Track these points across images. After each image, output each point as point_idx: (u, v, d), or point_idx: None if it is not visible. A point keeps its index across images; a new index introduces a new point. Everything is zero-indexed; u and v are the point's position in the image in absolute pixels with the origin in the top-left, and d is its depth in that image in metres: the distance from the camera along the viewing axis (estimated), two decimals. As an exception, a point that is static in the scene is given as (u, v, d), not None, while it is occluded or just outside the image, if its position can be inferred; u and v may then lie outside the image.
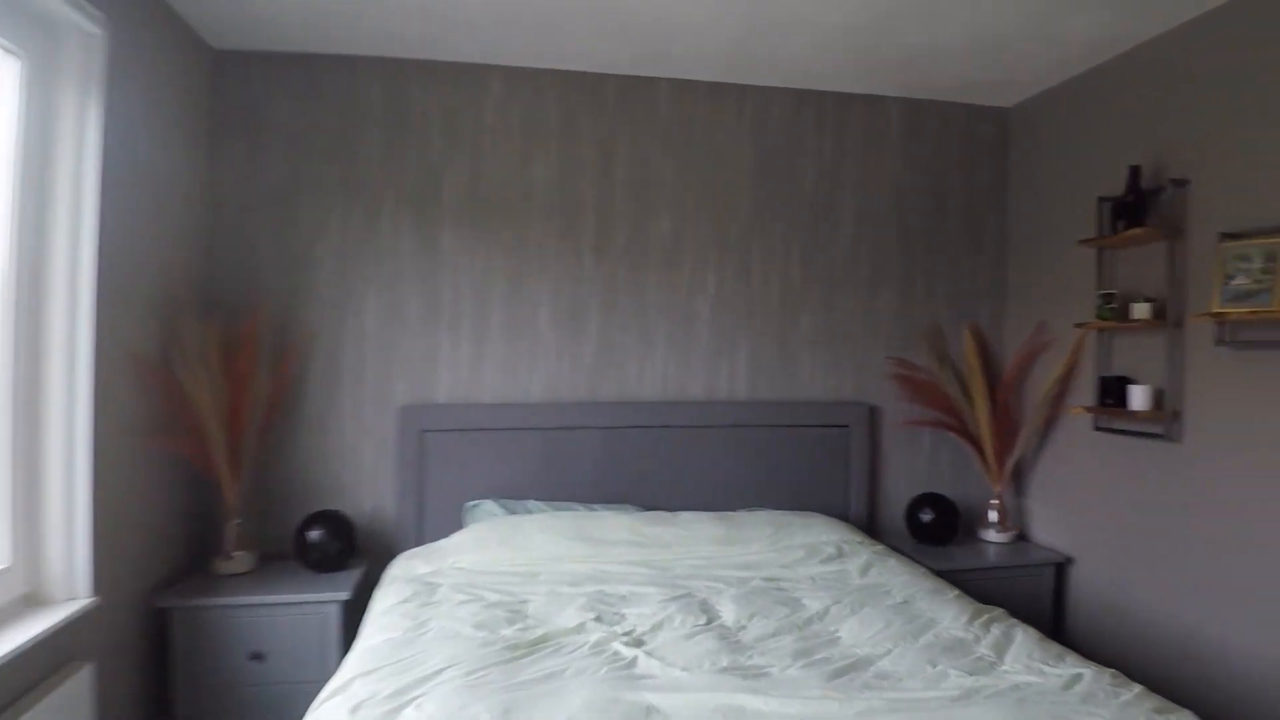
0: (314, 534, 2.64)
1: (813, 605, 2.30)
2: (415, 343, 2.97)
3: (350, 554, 2.72)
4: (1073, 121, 3.01)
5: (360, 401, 2.93)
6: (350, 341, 2.93)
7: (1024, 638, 2.04)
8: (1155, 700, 1.67)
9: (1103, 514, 2.84)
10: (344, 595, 2.52)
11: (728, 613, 2.23)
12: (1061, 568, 3.02)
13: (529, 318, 3.04)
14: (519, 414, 3.00)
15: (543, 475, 2.98)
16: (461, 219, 2.99)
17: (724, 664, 1.89)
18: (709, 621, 2.17)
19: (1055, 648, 1.98)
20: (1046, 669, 1.85)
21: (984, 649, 1.99)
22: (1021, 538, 3.24)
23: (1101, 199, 2.79)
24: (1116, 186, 2.72)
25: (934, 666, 1.88)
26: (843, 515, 3.19)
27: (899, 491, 3.33)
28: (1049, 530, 3.13)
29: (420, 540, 2.85)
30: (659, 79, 3.12)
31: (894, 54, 2.85)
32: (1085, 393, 2.92)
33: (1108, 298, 2.72)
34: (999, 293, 3.43)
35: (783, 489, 3.17)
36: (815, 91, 3.23)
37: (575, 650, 1.94)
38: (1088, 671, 1.81)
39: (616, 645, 1.98)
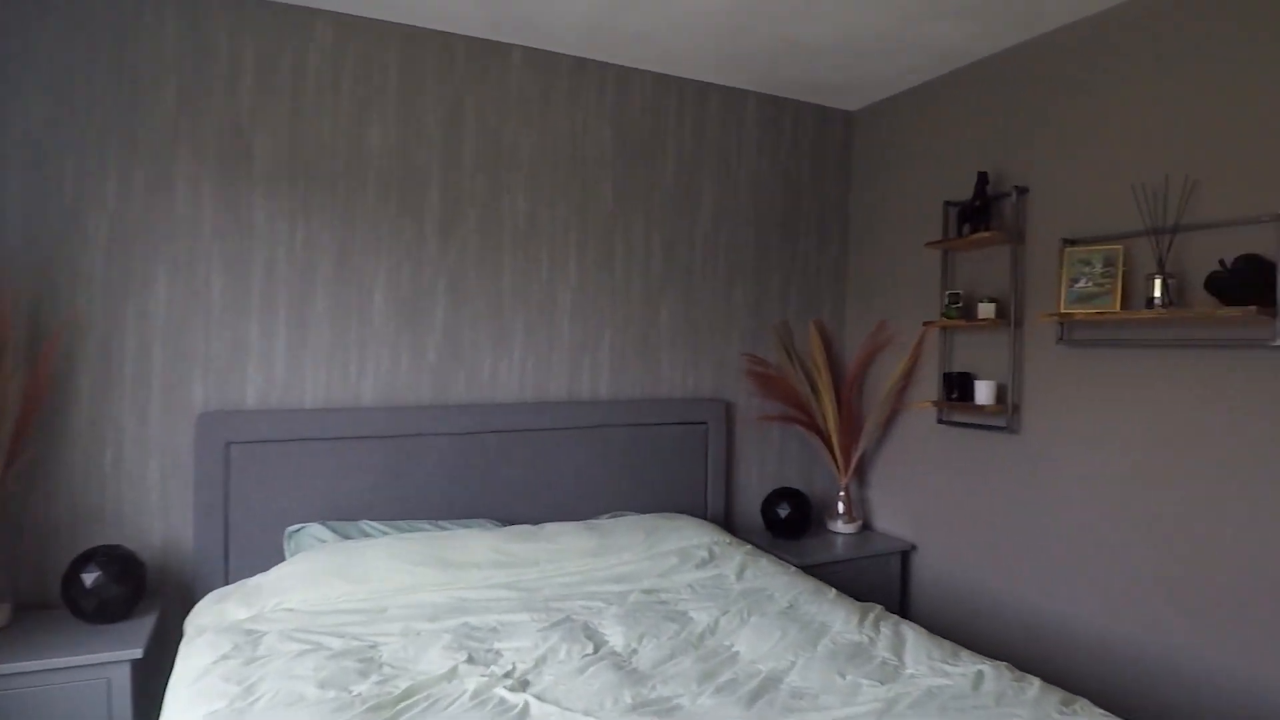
0: (89, 576, 2.05)
1: (700, 618, 2.15)
2: (218, 335, 2.42)
3: (138, 599, 2.15)
4: (918, 127, 3.14)
5: (145, 409, 2.33)
6: (132, 334, 2.32)
7: (914, 636, 2.04)
8: (1059, 693, 1.70)
9: (944, 503, 2.98)
10: (134, 653, 1.97)
11: (615, 636, 2.02)
12: (906, 555, 3.15)
13: (360, 304, 2.60)
14: (349, 420, 2.55)
15: (381, 491, 2.57)
16: (277, 186, 2.48)
17: (629, 700, 1.68)
18: (597, 649, 1.93)
19: (945, 644, 1.99)
20: (949, 668, 1.84)
21: (883, 652, 1.95)
22: (866, 527, 3.34)
23: (948, 203, 2.93)
24: (961, 191, 2.86)
25: (843, 678, 1.80)
26: (701, 513, 3.11)
27: (752, 487, 3.31)
28: (892, 520, 3.26)
29: (230, 577, 2.34)
30: (514, 45, 2.81)
31: (755, 45, 2.78)
32: (928, 387, 3.06)
33: (954, 298, 2.85)
34: (841, 290, 3.52)
35: (645, 490, 3.01)
36: (677, 78, 3.10)
37: (453, 703, 1.63)
38: (986, 668, 1.82)
39: (500, 691, 1.69)
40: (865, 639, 2.03)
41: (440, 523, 2.57)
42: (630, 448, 2.98)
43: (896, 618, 2.17)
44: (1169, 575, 2.22)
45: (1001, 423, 2.74)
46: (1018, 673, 1.81)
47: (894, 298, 3.24)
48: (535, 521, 2.70)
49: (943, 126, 3.02)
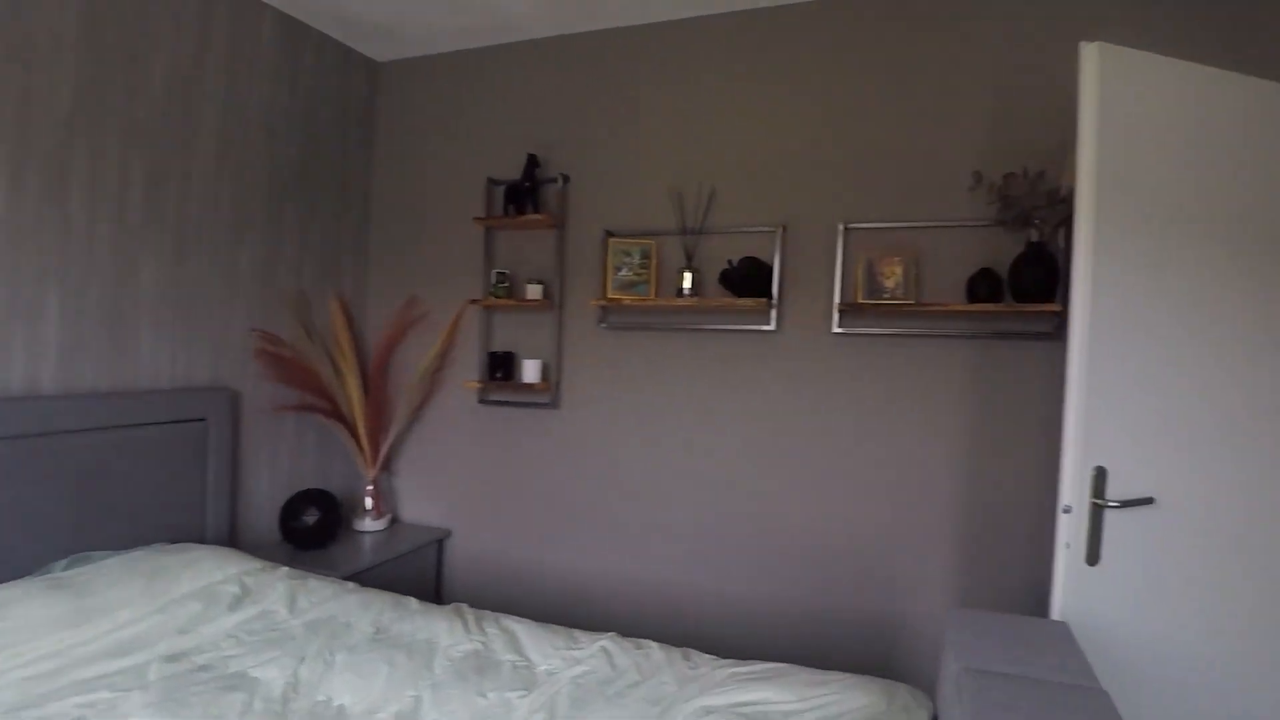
0: None
1: (270, 675, 1.66)
2: None
3: None
4: (463, 95, 2.98)
5: None
6: None
7: (521, 628, 1.95)
8: (674, 650, 1.82)
9: (485, 483, 2.95)
10: None
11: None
12: (441, 543, 3.01)
13: None
14: None
15: None
16: None
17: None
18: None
19: (555, 629, 1.95)
20: (577, 653, 1.81)
21: (505, 655, 1.81)
22: (395, 521, 3.08)
23: (492, 180, 2.87)
24: (506, 169, 2.84)
25: (486, 697, 1.61)
26: (199, 536, 2.41)
27: (263, 494, 2.71)
28: (424, 508, 3.07)
29: None
30: None
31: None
32: (465, 368, 2.96)
33: (502, 277, 2.81)
34: (365, 260, 3.14)
35: (119, 519, 2.16)
36: (163, -51, 2.28)
37: None
38: (605, 643, 1.85)
39: None
40: (480, 645, 1.85)
41: None
42: (94, 461, 2.09)
43: (489, 613, 2.04)
44: (700, 528, 2.63)
45: (546, 399, 2.84)
46: (630, 639, 1.89)
47: (428, 272, 3.03)
48: (-59, 594, 1.68)
49: (491, 100, 2.94)
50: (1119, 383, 1.74)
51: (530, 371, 2.79)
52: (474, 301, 2.86)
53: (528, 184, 2.75)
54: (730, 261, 2.52)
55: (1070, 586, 1.72)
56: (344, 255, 3.03)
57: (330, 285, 2.96)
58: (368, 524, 2.93)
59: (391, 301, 3.07)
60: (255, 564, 2.17)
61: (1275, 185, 1.83)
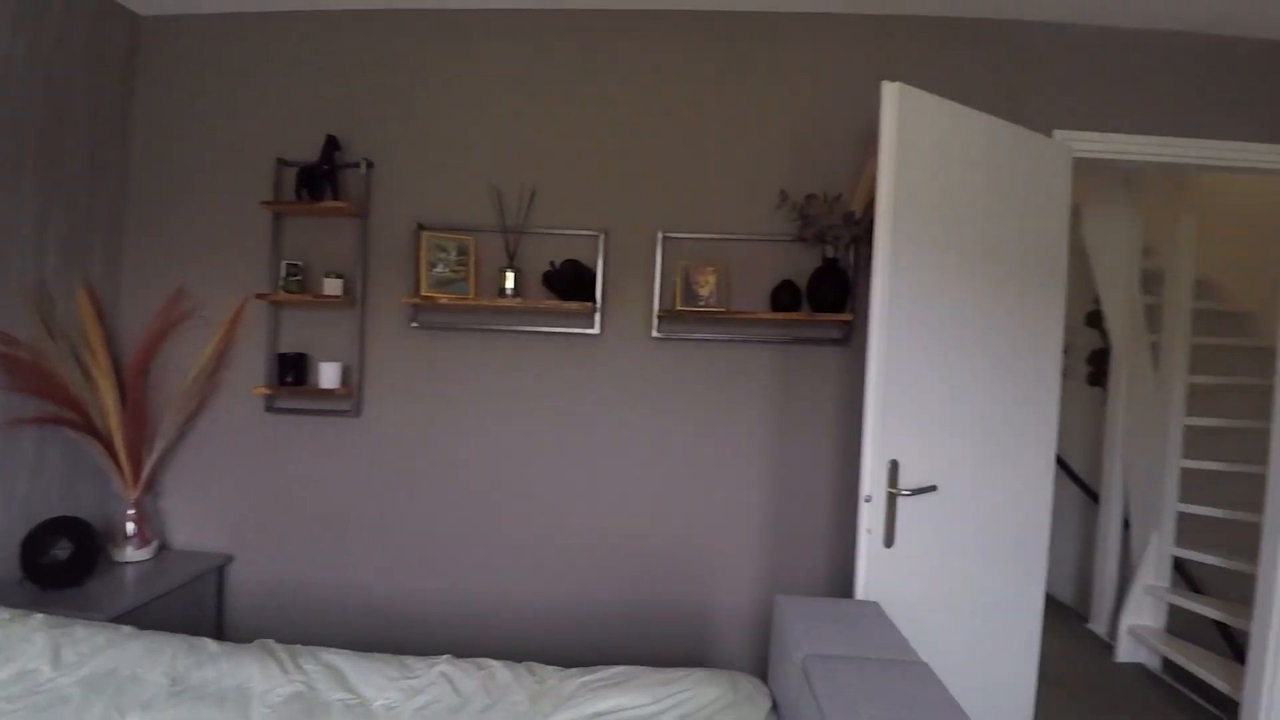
0: None
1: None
2: None
3: None
4: (247, 63, 2.62)
5: None
6: None
7: (344, 661, 1.79)
8: (513, 665, 1.79)
9: (275, 500, 2.65)
10: None
11: None
12: (222, 570, 2.66)
13: None
14: None
15: None
16: None
17: None
18: None
19: (384, 657, 1.82)
20: (414, 682, 1.72)
21: (334, 694, 1.67)
22: (165, 548, 2.66)
23: (283, 161, 2.56)
24: (299, 150, 2.57)
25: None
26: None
27: (-11, 527, 2.21)
28: (198, 532, 2.68)
29: None
30: None
31: None
32: (249, 372, 2.63)
33: (294, 269, 2.54)
34: (118, 246, 2.65)
35: None
36: None
37: None
38: (441, 666, 1.77)
39: None
40: (302, 686, 1.68)
41: None
42: None
43: (303, 648, 1.85)
44: (523, 536, 2.58)
45: (347, 406, 2.62)
46: (469, 659, 1.82)
47: (200, 262, 2.64)
48: None
49: (283, 72, 2.61)
50: (907, 386, 2.00)
51: (328, 376, 2.55)
52: (260, 296, 2.55)
53: (326, 167, 2.50)
54: (552, 263, 2.51)
55: (871, 567, 1.96)
56: (94, 239, 2.54)
57: (77, 274, 2.47)
58: (130, 554, 2.51)
59: (154, 294, 2.63)
60: (2, 613, 1.77)
61: (1030, 221, 2.21)
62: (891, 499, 1.97)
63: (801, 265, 2.49)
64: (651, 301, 2.51)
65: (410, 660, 1.81)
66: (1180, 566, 3.40)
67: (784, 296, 2.44)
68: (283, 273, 2.54)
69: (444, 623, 2.60)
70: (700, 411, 2.54)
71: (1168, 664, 3.26)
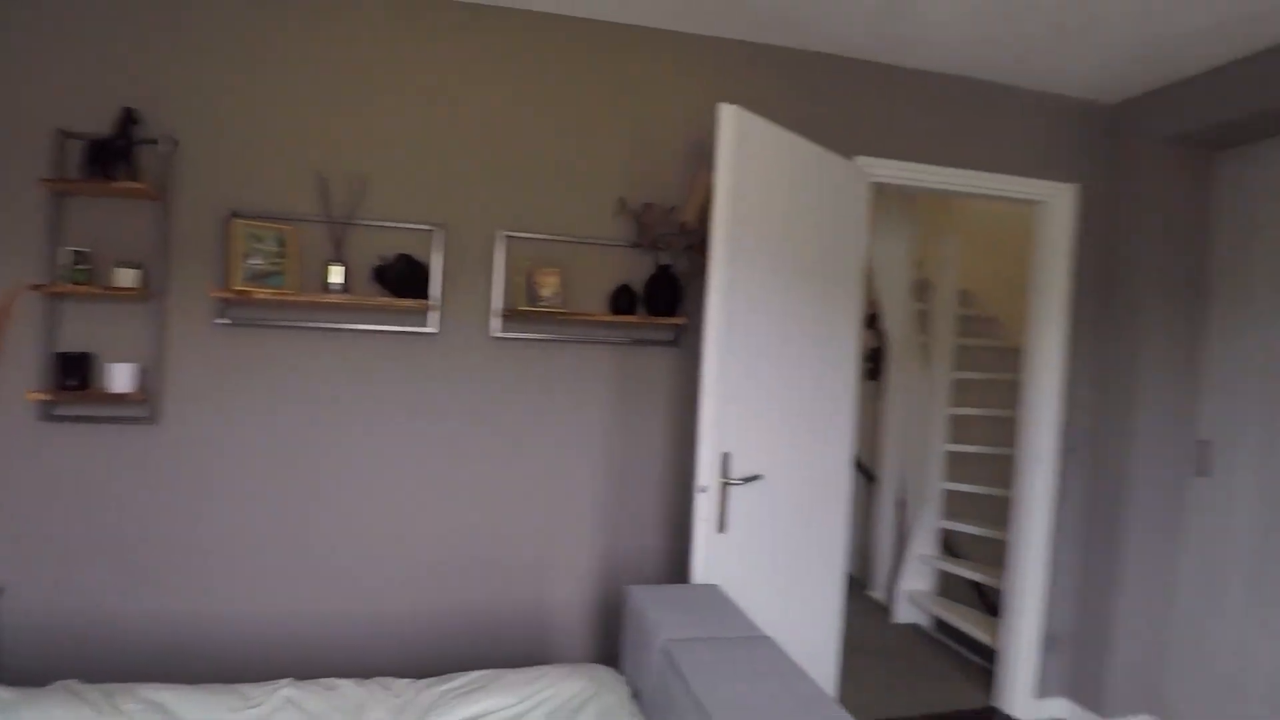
0: None
1: None
2: None
3: None
4: (9, 14, 2.24)
5: None
6: None
7: (170, 695, 1.64)
8: (362, 684, 1.73)
9: (53, 521, 2.30)
10: None
11: None
12: (-23, 604, 2.27)
13: None
14: None
15: None
16: None
17: None
18: None
19: (213, 689, 1.68)
20: (259, 711, 1.60)
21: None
22: (-108, 585, 2.22)
23: (66, 133, 2.24)
24: (84, 121, 2.26)
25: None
26: None
27: None
28: (-57, 561, 2.27)
29: None
30: None
31: None
32: (21, 374, 2.27)
33: (81, 257, 2.23)
34: None
35: None
36: None
37: None
38: (284, 690, 1.68)
39: None
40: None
41: None
42: None
43: (118, 686, 1.66)
44: (352, 546, 2.46)
45: (143, 413, 2.34)
46: (314, 681, 1.73)
47: (-54, 244, 2.24)
48: None
49: (64, 29, 2.27)
50: (739, 384, 2.17)
51: (121, 378, 2.27)
52: (36, 287, 2.21)
53: (121, 142, 2.22)
54: (384, 258, 2.42)
55: (707, 552, 2.11)
56: None
57: None
58: None
59: (-122, 280, 2.19)
60: None
61: (837, 237, 2.48)
62: (724, 488, 2.13)
63: (638, 270, 2.60)
64: (490, 301, 2.50)
65: (247, 688, 1.68)
66: (946, 537, 3.96)
67: (622, 300, 2.54)
68: (67, 260, 2.22)
69: (276, 646, 2.42)
70: (540, 410, 2.58)
71: (939, 623, 3.79)
